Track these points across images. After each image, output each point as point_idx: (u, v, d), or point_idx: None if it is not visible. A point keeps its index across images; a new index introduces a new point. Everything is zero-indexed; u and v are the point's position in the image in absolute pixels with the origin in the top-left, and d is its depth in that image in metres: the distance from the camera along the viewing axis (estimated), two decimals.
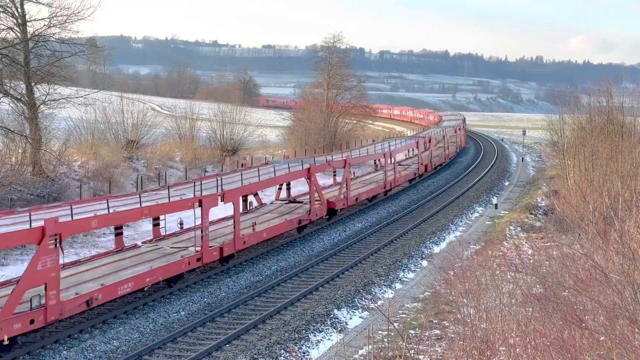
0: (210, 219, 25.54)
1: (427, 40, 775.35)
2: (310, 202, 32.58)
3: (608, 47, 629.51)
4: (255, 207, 33.99)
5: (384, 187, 42.64)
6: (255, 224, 28.09)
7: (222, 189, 26.22)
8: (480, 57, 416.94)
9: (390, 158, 45.01)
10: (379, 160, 57.23)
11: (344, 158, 37.47)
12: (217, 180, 27.10)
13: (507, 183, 53.48)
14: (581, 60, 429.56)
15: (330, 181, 46.33)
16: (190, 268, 23.32)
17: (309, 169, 32.55)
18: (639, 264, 11.97)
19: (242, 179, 28.69)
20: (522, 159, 70.37)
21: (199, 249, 23.94)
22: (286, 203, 35.10)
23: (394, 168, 45.27)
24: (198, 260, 23.66)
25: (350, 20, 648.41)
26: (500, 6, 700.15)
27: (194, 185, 26.24)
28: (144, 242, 26.00)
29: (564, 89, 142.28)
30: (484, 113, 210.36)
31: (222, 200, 25.38)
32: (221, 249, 25.06)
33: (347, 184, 36.33)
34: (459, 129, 77.44)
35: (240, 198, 30.42)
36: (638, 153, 29.20)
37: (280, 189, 36.29)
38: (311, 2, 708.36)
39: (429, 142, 55.84)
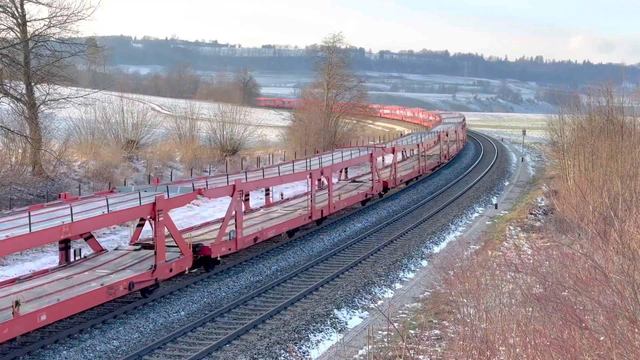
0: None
1: (427, 40, 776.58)
2: (156, 254, 21.77)
3: (608, 47, 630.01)
4: (91, 254, 23.51)
5: (310, 217, 32.15)
6: None
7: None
8: (480, 57, 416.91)
9: (321, 178, 35.92)
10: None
11: (232, 183, 26.64)
12: None
13: (507, 183, 53.51)
14: (581, 60, 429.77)
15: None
16: None
17: (153, 205, 21.74)
18: (639, 264, 11.98)
19: None
20: (522, 159, 70.39)
21: None
22: (137, 250, 24.14)
23: (329, 191, 34.75)
24: None
25: (350, 20, 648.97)
26: (500, 6, 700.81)
27: None
28: None
29: (564, 89, 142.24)
30: (484, 113, 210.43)
31: None
32: None
33: (236, 220, 26.04)
34: (448, 134, 65.86)
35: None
36: (638, 153, 29.21)
37: (141, 226, 25.41)
38: (311, 2, 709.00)
39: (393, 152, 45.92)
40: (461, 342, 12.98)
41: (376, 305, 22.01)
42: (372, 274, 25.56)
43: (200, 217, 34.36)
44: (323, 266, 27.35)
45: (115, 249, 24.79)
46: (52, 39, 36.41)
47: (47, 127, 37.59)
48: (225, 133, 55.75)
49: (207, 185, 26.05)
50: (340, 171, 44.22)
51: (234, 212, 26.06)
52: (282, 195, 37.35)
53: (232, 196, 26.22)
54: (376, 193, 41.82)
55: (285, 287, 24.40)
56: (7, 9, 35.16)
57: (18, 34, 35.61)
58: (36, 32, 35.53)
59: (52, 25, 35.54)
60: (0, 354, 17.06)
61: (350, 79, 72.48)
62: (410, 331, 18.92)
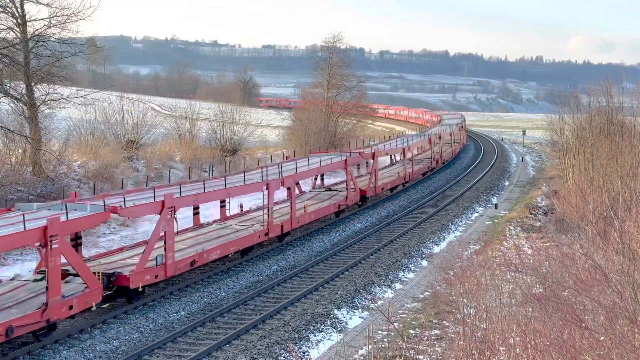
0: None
1: (427, 40, 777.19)
2: (48, 289, 17.65)
3: (608, 47, 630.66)
4: None
5: (266, 234, 27.95)
6: None
7: None
8: (480, 57, 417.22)
9: (291, 187, 30.61)
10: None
11: (161, 198, 22.34)
12: None
13: (507, 183, 53.53)
14: (581, 60, 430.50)
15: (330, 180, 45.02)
16: None
17: (44, 230, 17.49)
18: (639, 264, 11.98)
19: None
20: (522, 159, 70.41)
21: None
22: (39, 280, 19.48)
23: (291, 203, 30.56)
24: None
25: (350, 20, 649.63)
26: (500, 6, 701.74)
27: None
28: None
29: (564, 89, 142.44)
30: (484, 113, 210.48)
31: None
32: None
33: (165, 242, 22.27)
34: (441, 136, 61.63)
35: None
36: (638, 153, 29.21)
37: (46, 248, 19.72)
38: (311, 2, 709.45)
39: (373, 158, 41.03)
40: (461, 342, 12.98)
41: (376, 305, 22.01)
42: (372, 274, 25.56)
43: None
44: (323, 266, 27.35)
45: (11, 279, 20.29)
46: (52, 39, 36.35)
47: (47, 127, 37.54)
48: (225, 133, 55.74)
49: (124, 202, 21.32)
50: (315, 178, 40.43)
51: (162, 233, 22.06)
52: (241, 207, 32.44)
53: (160, 214, 21.97)
54: (352, 203, 37.41)
55: (285, 287, 24.40)
56: (7, 9, 35.13)
57: (18, 34, 35.56)
58: (36, 32, 35.47)
59: (52, 25, 35.49)
60: (1, 353, 17.06)
61: (350, 79, 72.52)
62: (410, 331, 18.92)
